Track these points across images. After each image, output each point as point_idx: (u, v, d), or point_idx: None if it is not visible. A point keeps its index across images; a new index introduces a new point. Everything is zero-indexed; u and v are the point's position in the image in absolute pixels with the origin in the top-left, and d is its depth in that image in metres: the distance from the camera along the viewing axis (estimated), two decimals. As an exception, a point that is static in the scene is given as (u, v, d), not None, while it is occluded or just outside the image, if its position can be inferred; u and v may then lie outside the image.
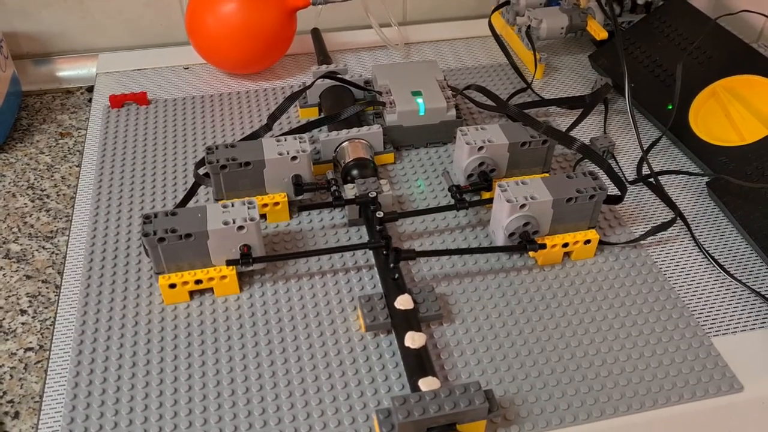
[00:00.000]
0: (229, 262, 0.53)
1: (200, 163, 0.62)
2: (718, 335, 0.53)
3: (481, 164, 0.61)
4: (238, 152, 0.59)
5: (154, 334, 0.52)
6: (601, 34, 0.79)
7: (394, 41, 0.86)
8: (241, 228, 0.52)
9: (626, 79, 0.66)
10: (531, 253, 0.57)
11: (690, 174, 0.67)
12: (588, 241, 0.57)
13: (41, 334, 0.55)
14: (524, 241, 0.55)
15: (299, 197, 0.60)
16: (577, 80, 0.81)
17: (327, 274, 0.57)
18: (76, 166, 0.72)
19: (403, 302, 0.51)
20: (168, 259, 0.52)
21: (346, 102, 0.70)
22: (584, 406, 0.48)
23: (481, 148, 0.60)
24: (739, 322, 0.54)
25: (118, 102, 0.75)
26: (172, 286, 0.53)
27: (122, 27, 0.86)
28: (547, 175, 0.63)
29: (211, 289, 0.54)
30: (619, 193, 0.60)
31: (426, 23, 0.93)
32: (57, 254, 0.62)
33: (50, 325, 0.56)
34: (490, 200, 0.60)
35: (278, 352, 0.51)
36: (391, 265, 0.52)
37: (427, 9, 0.94)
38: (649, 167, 0.64)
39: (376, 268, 0.56)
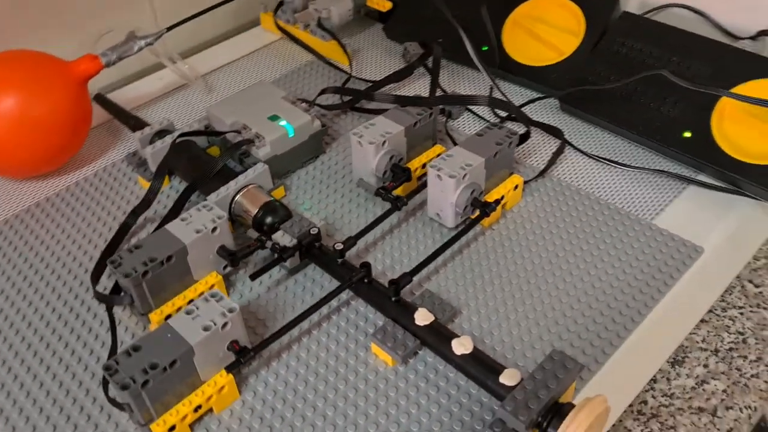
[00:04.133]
0: (229, 368, 0.45)
1: (95, 282, 0.51)
2: (654, 218, 0.59)
3: (391, 158, 0.59)
4: (149, 251, 0.49)
5: (181, 493, 0.42)
6: (386, 6, 0.80)
7: (191, 77, 0.78)
8: (225, 326, 0.44)
9: (461, 31, 0.68)
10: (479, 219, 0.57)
11: (541, 99, 0.72)
12: (516, 187, 0.59)
13: None
14: (480, 208, 0.55)
15: (232, 268, 0.53)
16: (383, 54, 0.82)
17: (312, 332, 0.51)
18: None
19: (423, 317, 0.48)
20: (155, 401, 0.42)
21: (201, 156, 0.62)
22: (610, 333, 0.50)
23: (384, 143, 0.58)
24: (660, 200, 0.60)
25: None
26: (172, 429, 0.43)
27: None
28: (440, 147, 0.64)
29: (209, 410, 0.46)
30: (525, 130, 0.63)
31: (198, 52, 0.85)
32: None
33: None
34: (416, 191, 0.59)
35: (329, 433, 0.45)
36: (393, 299, 0.49)
37: (186, 37, 0.86)
38: (509, 102, 0.68)
39: (359, 302, 0.52)
